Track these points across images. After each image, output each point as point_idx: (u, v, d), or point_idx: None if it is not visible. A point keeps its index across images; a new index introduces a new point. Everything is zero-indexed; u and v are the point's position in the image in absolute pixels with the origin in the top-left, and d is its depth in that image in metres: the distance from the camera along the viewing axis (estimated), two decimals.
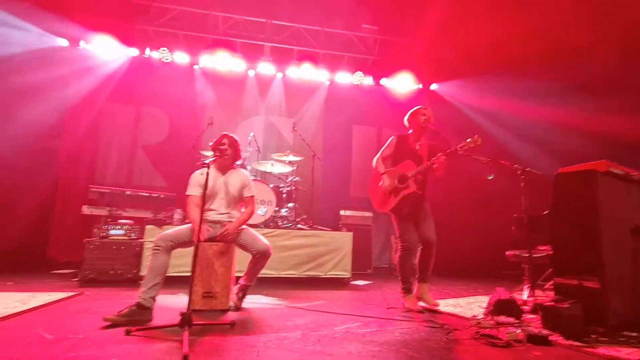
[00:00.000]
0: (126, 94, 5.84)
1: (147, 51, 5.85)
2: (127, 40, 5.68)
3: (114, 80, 5.74)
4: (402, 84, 6.50)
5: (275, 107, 6.38)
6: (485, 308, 2.72)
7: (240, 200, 2.95)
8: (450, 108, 6.14)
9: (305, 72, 6.15)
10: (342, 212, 5.28)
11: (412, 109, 3.19)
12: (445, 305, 3.04)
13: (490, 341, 2.09)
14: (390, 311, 2.86)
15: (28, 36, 5.10)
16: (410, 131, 3.18)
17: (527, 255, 2.96)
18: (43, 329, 2.08)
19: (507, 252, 3.32)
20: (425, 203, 3.09)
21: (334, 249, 4.18)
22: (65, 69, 5.44)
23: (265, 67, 6.17)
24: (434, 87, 6.69)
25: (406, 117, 3.21)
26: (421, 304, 2.97)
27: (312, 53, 6.22)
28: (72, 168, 5.51)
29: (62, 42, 5.56)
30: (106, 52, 5.66)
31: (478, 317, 2.55)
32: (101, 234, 3.79)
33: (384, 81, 6.59)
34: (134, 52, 5.83)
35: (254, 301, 3.06)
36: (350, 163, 6.56)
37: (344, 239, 4.26)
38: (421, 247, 3.00)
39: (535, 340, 2.08)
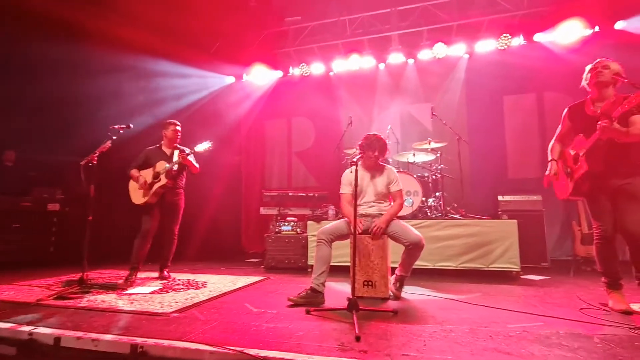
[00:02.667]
0: (278, 110, 6.88)
1: (290, 70, 6.71)
2: (274, 65, 6.68)
3: (268, 100, 6.86)
4: (567, 33, 5.24)
5: (410, 95, 6.19)
6: None
7: (388, 194, 3.03)
8: None
9: (439, 51, 5.73)
10: (500, 198, 4.68)
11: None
12: None
13: None
14: (583, 312, 2.37)
15: (210, 81, 6.68)
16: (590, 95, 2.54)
17: None
18: (249, 303, 2.69)
19: None
20: (624, 180, 2.31)
21: (495, 239, 3.76)
22: (234, 98, 6.87)
23: (395, 57, 6.08)
24: (620, 25, 5.10)
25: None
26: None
27: (445, 28, 5.75)
28: (250, 177, 6.95)
29: (230, 80, 7.03)
30: (260, 79, 6.81)
31: None
32: (275, 230, 4.59)
33: (538, 37, 5.48)
34: (279, 73, 6.79)
35: (412, 292, 3.08)
36: (504, 141, 5.73)
37: (507, 227, 3.77)
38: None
39: None
